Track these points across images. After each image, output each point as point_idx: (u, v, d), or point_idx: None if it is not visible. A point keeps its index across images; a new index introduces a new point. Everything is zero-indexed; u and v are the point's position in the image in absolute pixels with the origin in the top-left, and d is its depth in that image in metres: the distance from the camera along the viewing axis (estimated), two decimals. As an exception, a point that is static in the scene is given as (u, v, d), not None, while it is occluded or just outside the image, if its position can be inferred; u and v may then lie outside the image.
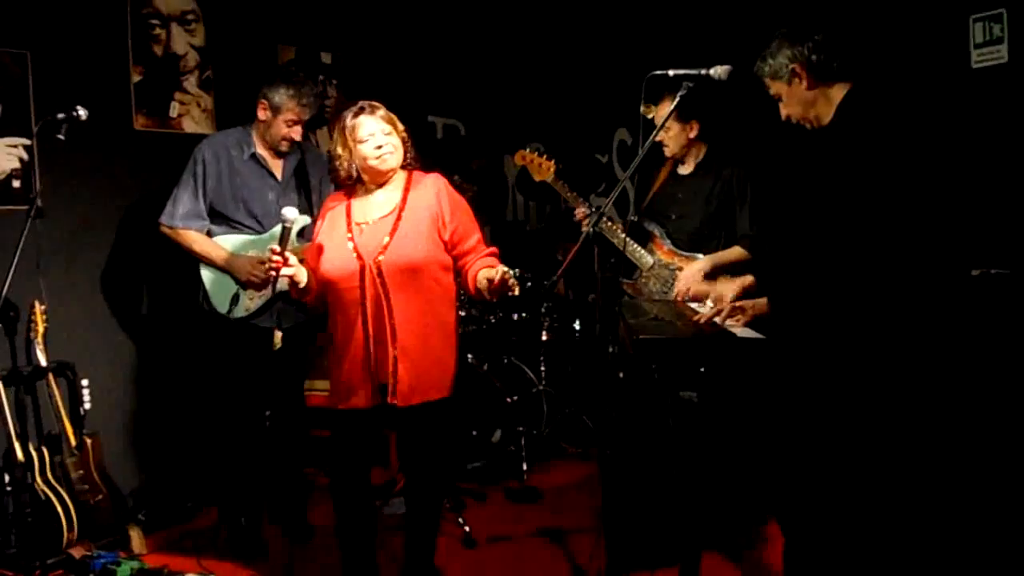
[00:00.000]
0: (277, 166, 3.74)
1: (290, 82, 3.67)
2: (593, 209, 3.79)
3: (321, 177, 3.73)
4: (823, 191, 2.46)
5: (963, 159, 3.64)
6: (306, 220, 3.63)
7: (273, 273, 2.91)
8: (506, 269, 2.77)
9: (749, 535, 3.57)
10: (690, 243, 3.80)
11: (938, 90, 4.00)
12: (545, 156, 4.04)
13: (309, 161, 3.81)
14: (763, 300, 2.50)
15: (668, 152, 3.83)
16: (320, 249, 3.01)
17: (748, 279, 2.67)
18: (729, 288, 2.68)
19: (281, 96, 3.59)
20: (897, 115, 2.39)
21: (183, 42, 4.41)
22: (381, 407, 2.95)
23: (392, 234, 2.92)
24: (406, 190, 3.01)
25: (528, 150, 4.10)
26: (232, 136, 3.74)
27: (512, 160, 4.34)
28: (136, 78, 4.22)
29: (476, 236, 3.10)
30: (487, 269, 2.93)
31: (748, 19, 4.56)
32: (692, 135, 3.78)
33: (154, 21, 4.29)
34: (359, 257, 2.91)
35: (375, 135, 2.92)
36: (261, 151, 3.70)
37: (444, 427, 3.04)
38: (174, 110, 4.37)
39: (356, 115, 2.95)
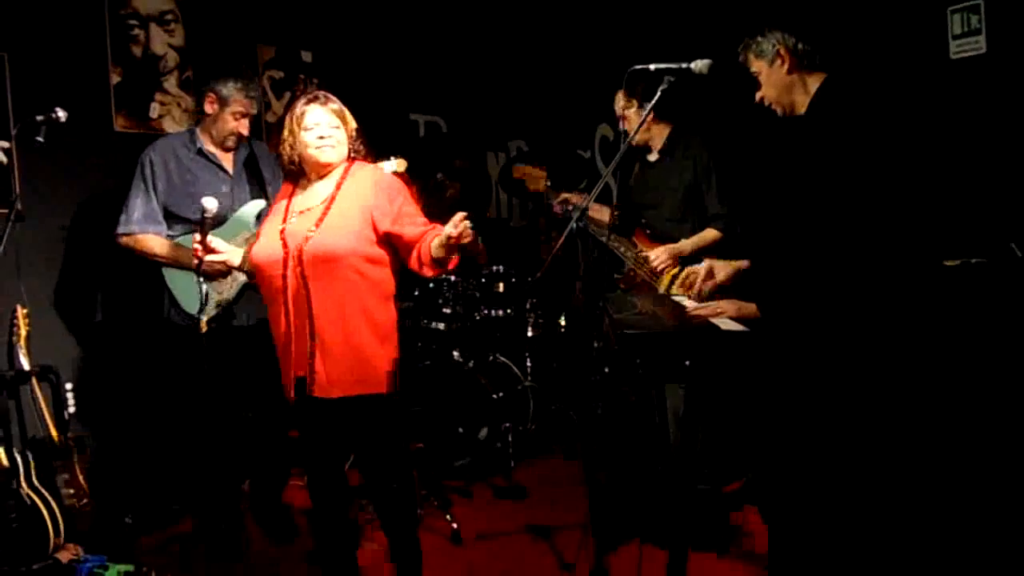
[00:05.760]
0: (227, 159, 3.74)
1: (238, 76, 3.71)
2: (572, 207, 3.85)
3: (274, 170, 3.74)
4: (799, 180, 2.49)
5: (941, 150, 3.67)
6: (261, 204, 3.68)
7: (196, 261, 2.91)
8: (461, 215, 2.66)
9: (732, 527, 3.59)
10: (666, 231, 3.83)
11: (916, 81, 4.02)
12: (536, 165, 4.13)
13: (259, 155, 3.82)
14: (753, 305, 2.51)
15: (633, 141, 3.84)
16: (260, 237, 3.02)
17: (744, 262, 2.69)
18: (722, 266, 2.70)
19: (229, 89, 3.63)
20: (872, 106, 2.42)
21: (162, 43, 4.39)
22: (303, 400, 2.89)
23: (318, 224, 2.88)
24: (341, 180, 2.98)
25: (521, 163, 4.20)
26: (177, 138, 3.75)
27: (495, 157, 4.36)
28: (116, 79, 4.20)
29: (422, 218, 2.98)
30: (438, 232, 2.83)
31: (728, 14, 4.58)
32: (651, 115, 3.77)
33: (132, 22, 4.28)
34: (284, 245, 2.89)
35: (320, 125, 2.90)
36: (209, 147, 3.70)
37: (380, 423, 2.95)
38: (154, 111, 4.35)
39: (308, 103, 2.94)
